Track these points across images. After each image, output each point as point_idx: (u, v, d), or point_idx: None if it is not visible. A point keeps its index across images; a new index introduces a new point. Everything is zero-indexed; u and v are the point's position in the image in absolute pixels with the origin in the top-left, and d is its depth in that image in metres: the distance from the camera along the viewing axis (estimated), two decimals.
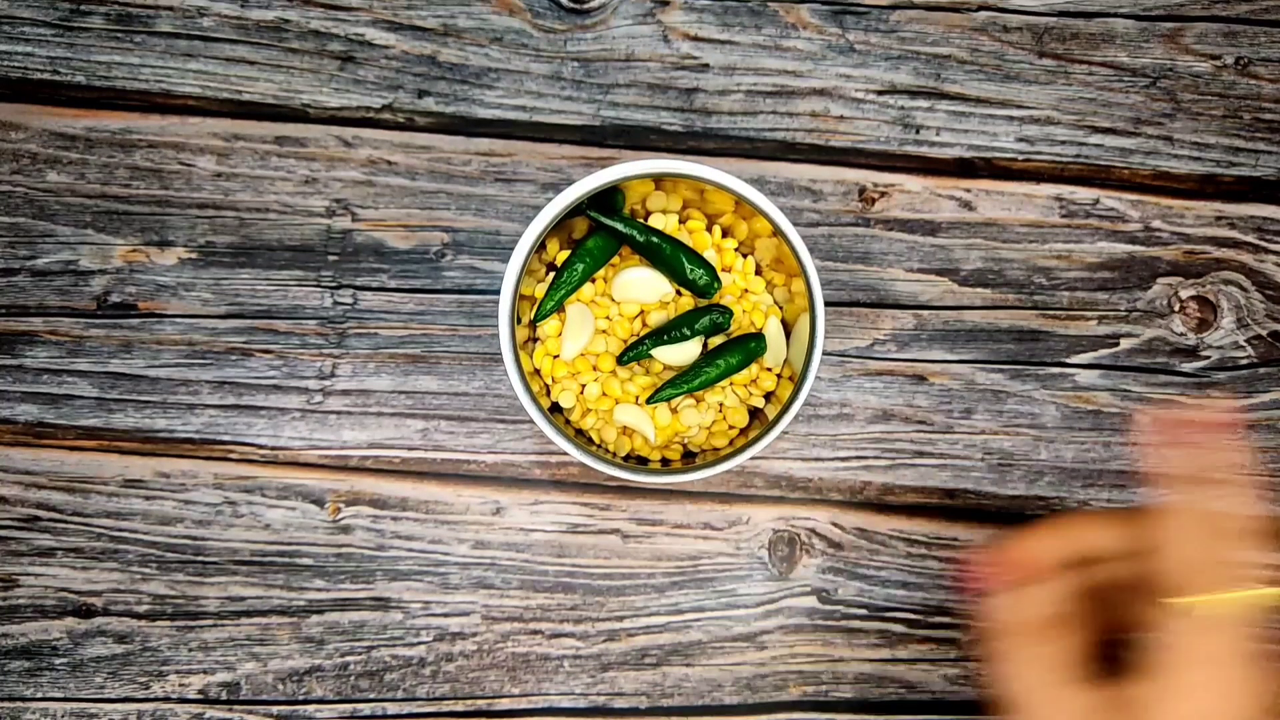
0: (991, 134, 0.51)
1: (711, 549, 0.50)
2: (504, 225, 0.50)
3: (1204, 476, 0.31)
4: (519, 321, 0.44)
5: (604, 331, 0.46)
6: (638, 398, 0.46)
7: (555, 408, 0.47)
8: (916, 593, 0.50)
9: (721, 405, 0.46)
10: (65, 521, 0.49)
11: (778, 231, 0.43)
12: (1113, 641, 0.33)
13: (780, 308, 0.47)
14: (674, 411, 0.46)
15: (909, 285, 0.50)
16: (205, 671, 0.49)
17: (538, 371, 0.46)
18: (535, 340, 0.47)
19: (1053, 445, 0.51)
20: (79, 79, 0.49)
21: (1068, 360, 0.51)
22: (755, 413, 0.47)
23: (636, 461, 0.46)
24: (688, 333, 0.45)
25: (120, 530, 0.49)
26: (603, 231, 0.46)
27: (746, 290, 0.47)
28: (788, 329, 0.47)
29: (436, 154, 0.50)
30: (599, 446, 0.46)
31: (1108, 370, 0.51)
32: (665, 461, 0.47)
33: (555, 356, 0.46)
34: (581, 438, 0.46)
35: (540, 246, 0.43)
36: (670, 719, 0.50)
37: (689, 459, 0.47)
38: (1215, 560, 0.31)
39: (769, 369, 0.47)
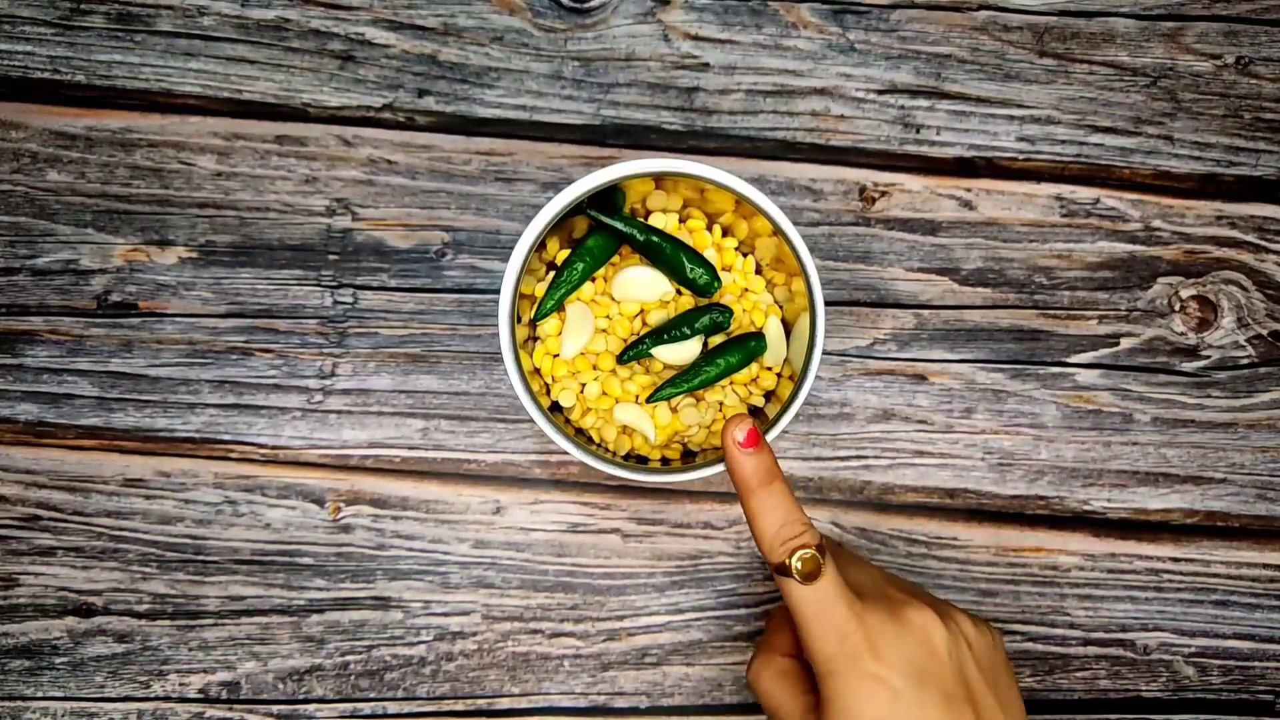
0: (992, 133, 0.51)
1: (712, 548, 0.50)
2: (504, 224, 0.50)
3: (759, 475, 0.38)
4: (519, 320, 0.44)
5: (604, 330, 0.46)
6: (638, 397, 0.46)
7: (555, 407, 0.46)
8: None
9: (721, 404, 0.46)
10: (66, 521, 0.49)
11: (778, 231, 0.43)
12: None
13: (780, 307, 0.47)
14: (674, 410, 0.46)
15: (909, 285, 0.50)
16: (206, 671, 0.49)
17: (538, 370, 0.46)
18: (535, 339, 0.47)
19: (1053, 445, 0.51)
20: (79, 78, 0.49)
21: (1068, 360, 0.51)
22: (755, 412, 0.47)
23: (636, 461, 0.46)
24: (688, 332, 0.45)
25: (120, 529, 0.49)
26: (603, 230, 0.46)
27: (746, 289, 0.47)
28: (788, 328, 0.47)
29: (437, 153, 0.50)
30: (599, 446, 0.46)
31: (1108, 370, 0.51)
32: (665, 461, 0.47)
33: (555, 355, 0.46)
34: (581, 437, 0.46)
35: (540, 245, 0.43)
36: (670, 719, 0.50)
37: (689, 458, 0.47)
38: (788, 529, 0.37)
39: (769, 368, 0.47)
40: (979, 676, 0.38)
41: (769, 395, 0.47)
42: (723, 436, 0.39)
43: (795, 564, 0.37)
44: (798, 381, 0.43)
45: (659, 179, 0.43)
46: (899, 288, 0.50)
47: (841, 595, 0.37)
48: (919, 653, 0.37)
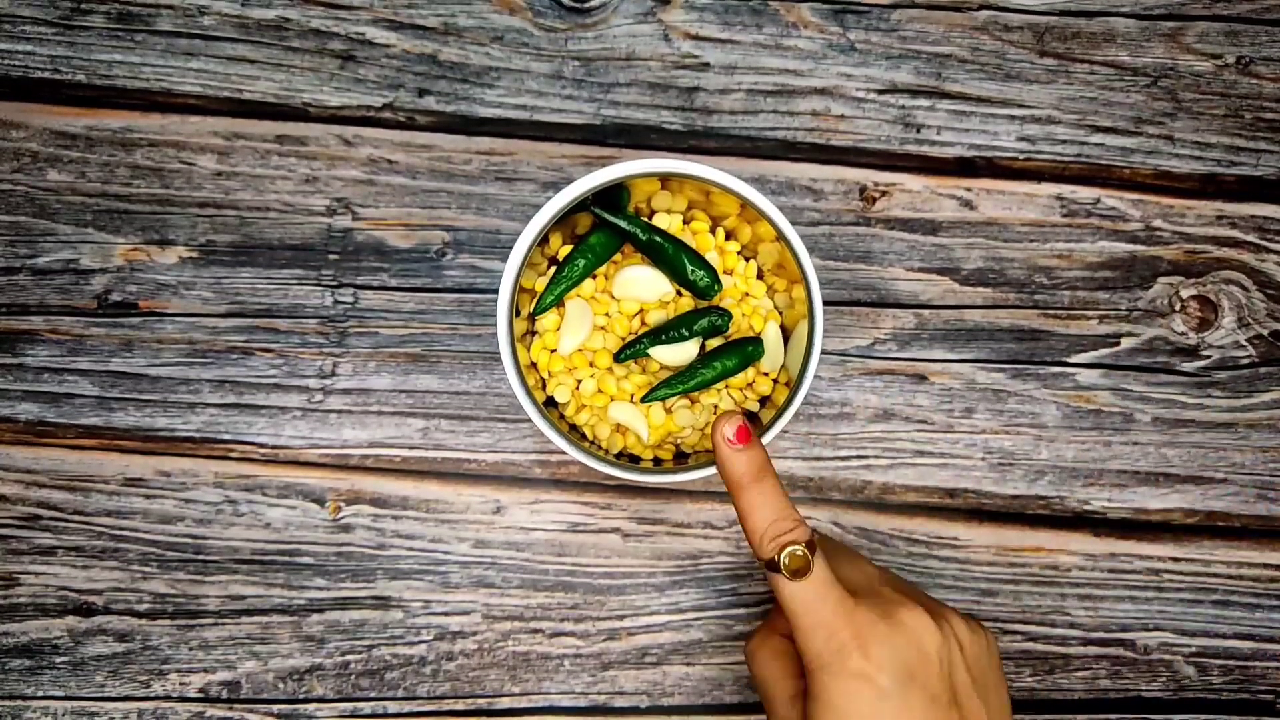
0: (992, 133, 0.51)
1: (712, 548, 0.50)
2: (504, 224, 0.50)
3: (749, 472, 0.38)
4: (518, 314, 0.44)
5: (602, 328, 0.46)
6: (633, 396, 0.46)
7: (550, 402, 0.47)
8: None
9: (716, 407, 0.46)
10: (66, 520, 0.49)
11: (778, 233, 0.43)
12: None
13: (780, 313, 0.47)
14: (668, 411, 0.46)
15: (910, 284, 0.50)
16: (206, 670, 0.49)
17: (534, 365, 0.46)
18: (534, 334, 0.47)
19: (1053, 445, 0.50)
20: (80, 78, 0.49)
21: (1068, 360, 0.51)
22: (751, 416, 0.47)
23: (629, 459, 0.46)
24: (686, 333, 0.45)
25: (121, 529, 0.49)
26: (606, 228, 0.46)
27: (747, 294, 0.47)
28: (787, 334, 0.47)
29: (437, 153, 0.50)
30: (592, 443, 0.46)
31: (1109, 370, 0.51)
32: (657, 461, 0.47)
33: (553, 351, 0.46)
34: (575, 433, 0.46)
35: (543, 240, 0.43)
36: (670, 718, 0.50)
37: (681, 459, 0.47)
38: (778, 526, 0.37)
39: (766, 373, 0.47)
40: (968, 680, 0.38)
41: (764, 400, 0.47)
42: (713, 433, 0.39)
43: (784, 560, 0.37)
44: (794, 387, 0.43)
45: (664, 179, 0.43)
46: (899, 288, 0.50)
47: (831, 592, 0.37)
48: (908, 653, 0.37)
